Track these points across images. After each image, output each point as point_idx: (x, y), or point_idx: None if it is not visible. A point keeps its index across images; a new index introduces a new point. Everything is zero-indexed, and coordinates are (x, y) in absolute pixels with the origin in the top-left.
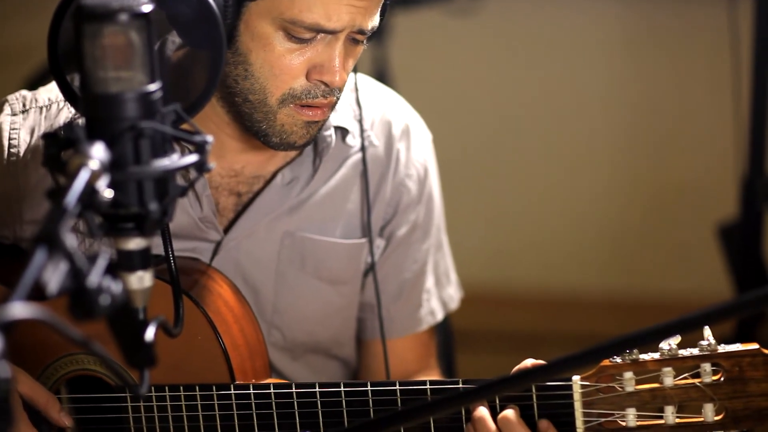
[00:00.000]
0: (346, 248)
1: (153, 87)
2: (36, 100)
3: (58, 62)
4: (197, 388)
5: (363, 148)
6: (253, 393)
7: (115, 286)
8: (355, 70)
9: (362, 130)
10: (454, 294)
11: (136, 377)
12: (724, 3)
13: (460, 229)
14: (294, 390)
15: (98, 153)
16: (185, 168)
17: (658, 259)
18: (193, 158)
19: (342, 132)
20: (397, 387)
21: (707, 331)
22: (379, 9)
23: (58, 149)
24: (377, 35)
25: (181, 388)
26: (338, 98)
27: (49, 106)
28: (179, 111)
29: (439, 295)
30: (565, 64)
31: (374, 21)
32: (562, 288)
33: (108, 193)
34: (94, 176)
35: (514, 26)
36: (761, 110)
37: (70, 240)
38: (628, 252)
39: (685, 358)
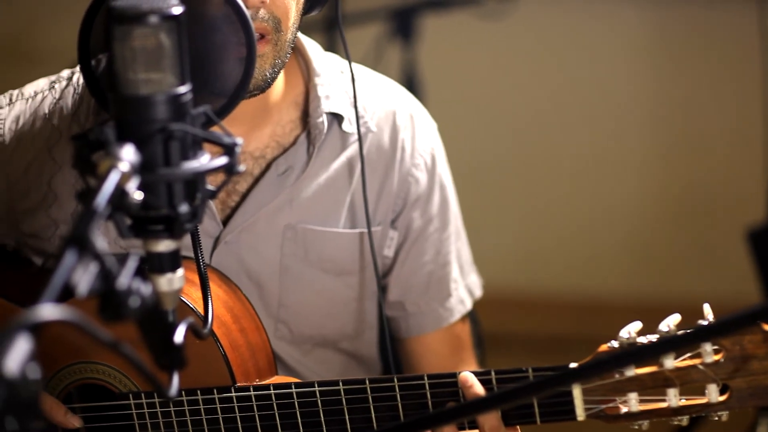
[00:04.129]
0: (350, 238)
1: (183, 89)
2: (22, 94)
3: (90, 64)
4: (199, 392)
5: (359, 135)
6: (254, 395)
7: (145, 288)
8: (349, 59)
9: (357, 115)
10: (476, 280)
11: (138, 382)
12: (753, 3)
13: (490, 231)
14: (294, 390)
15: (128, 155)
16: (215, 170)
17: (688, 263)
18: (222, 160)
19: (337, 119)
20: (396, 383)
21: (707, 310)
22: None
23: (89, 151)
24: (406, 37)
25: (183, 393)
26: (280, 32)
27: (34, 96)
28: (209, 113)
29: (465, 283)
30: (594, 67)
31: None
32: (591, 291)
33: (138, 195)
34: (124, 178)
35: (543, 29)
36: None
37: (100, 242)
38: (657, 255)
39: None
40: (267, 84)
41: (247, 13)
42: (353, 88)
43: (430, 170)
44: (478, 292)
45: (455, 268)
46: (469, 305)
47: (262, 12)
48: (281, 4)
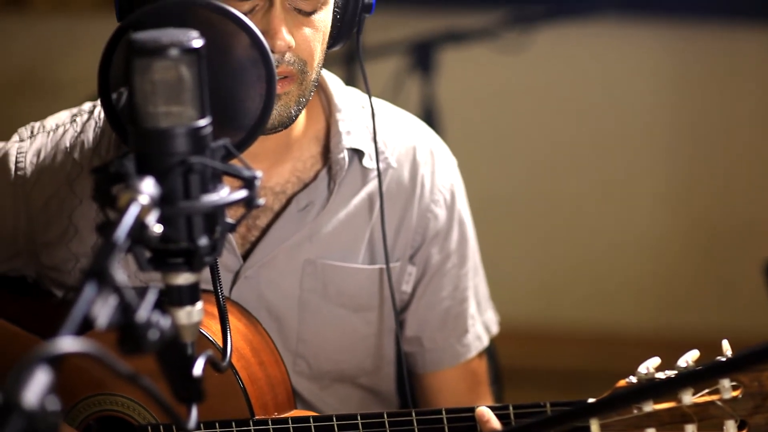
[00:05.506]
0: (369, 274)
1: (203, 122)
2: (44, 126)
3: (110, 97)
4: (217, 425)
5: (378, 171)
6: (273, 428)
7: (164, 321)
8: (369, 94)
9: (377, 151)
10: (493, 317)
11: (157, 414)
12: None
13: (507, 265)
14: (312, 424)
15: (148, 188)
16: (234, 203)
17: (706, 297)
18: (242, 194)
19: (358, 154)
20: (414, 417)
21: (725, 345)
22: None
23: (109, 184)
24: (425, 70)
25: (202, 425)
26: (306, 72)
27: (55, 129)
28: (229, 146)
29: (482, 320)
30: (611, 100)
31: None
32: (609, 326)
33: (157, 228)
34: (144, 211)
35: (560, 62)
36: None
37: (120, 275)
38: (675, 289)
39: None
40: (291, 121)
41: (268, 48)
42: (373, 124)
43: (450, 206)
44: (495, 329)
45: (472, 304)
46: (485, 342)
47: (288, 55)
48: (306, 47)
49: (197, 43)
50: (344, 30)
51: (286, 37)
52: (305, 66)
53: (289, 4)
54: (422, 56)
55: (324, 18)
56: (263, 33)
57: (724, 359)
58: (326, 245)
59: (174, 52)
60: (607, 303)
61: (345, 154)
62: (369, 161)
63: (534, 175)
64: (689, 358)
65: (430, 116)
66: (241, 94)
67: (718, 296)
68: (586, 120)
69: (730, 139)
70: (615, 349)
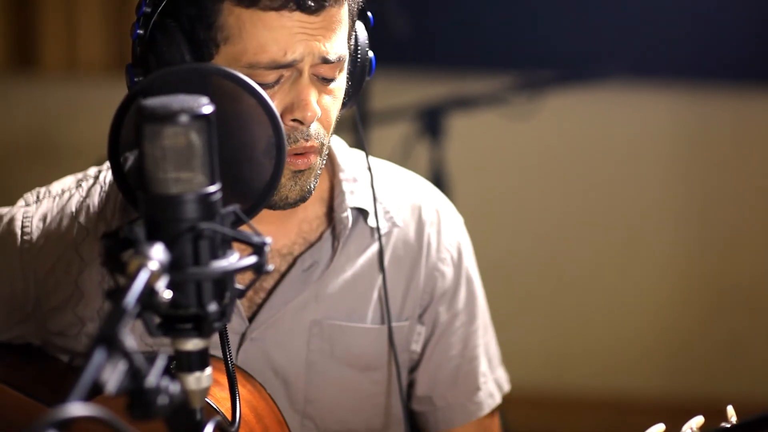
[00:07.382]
0: (377, 334)
1: (212, 188)
2: (49, 191)
3: (119, 161)
4: None
5: (378, 229)
6: None
7: (173, 387)
8: (366, 154)
9: (376, 210)
10: (503, 375)
11: None
12: None
13: (516, 329)
14: None
15: (158, 254)
16: (244, 269)
17: (716, 364)
18: (251, 260)
19: (362, 214)
20: None
21: (730, 411)
22: (339, 36)
23: (118, 249)
24: (434, 135)
25: None
26: (324, 144)
27: (61, 194)
28: (238, 212)
29: (494, 377)
30: (621, 166)
31: (337, 48)
32: (619, 390)
33: (167, 294)
34: (154, 277)
35: (569, 129)
36: None
37: (130, 340)
38: (685, 355)
39: None
40: (310, 194)
41: (278, 113)
42: (371, 185)
43: (456, 264)
44: (507, 387)
45: (483, 361)
46: (498, 399)
47: (313, 126)
48: (326, 115)
49: (207, 109)
50: (350, 96)
51: (315, 107)
52: (325, 136)
53: (314, 73)
54: (431, 122)
55: (341, 85)
56: (292, 104)
57: (728, 426)
58: (332, 305)
59: (184, 118)
60: (616, 368)
61: (348, 213)
62: (373, 220)
63: (543, 241)
64: (694, 424)
65: (438, 181)
66: (251, 160)
67: (727, 362)
68: (594, 185)
69: (739, 203)
70: (624, 415)
